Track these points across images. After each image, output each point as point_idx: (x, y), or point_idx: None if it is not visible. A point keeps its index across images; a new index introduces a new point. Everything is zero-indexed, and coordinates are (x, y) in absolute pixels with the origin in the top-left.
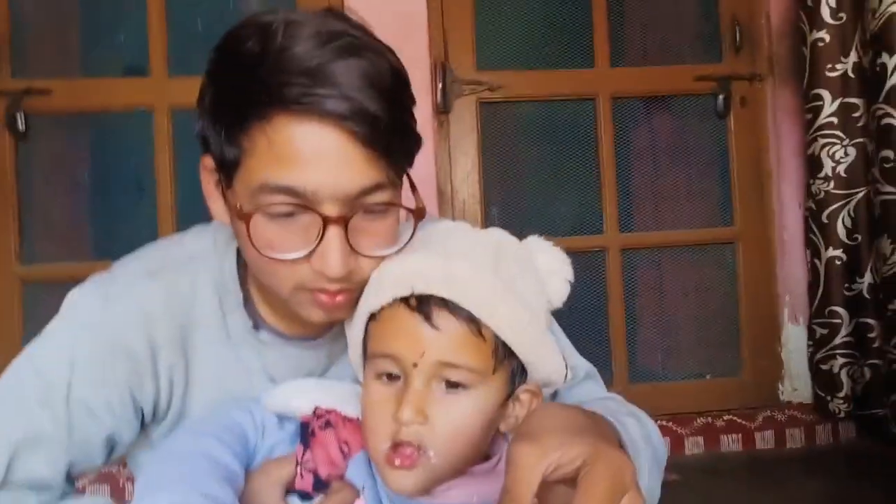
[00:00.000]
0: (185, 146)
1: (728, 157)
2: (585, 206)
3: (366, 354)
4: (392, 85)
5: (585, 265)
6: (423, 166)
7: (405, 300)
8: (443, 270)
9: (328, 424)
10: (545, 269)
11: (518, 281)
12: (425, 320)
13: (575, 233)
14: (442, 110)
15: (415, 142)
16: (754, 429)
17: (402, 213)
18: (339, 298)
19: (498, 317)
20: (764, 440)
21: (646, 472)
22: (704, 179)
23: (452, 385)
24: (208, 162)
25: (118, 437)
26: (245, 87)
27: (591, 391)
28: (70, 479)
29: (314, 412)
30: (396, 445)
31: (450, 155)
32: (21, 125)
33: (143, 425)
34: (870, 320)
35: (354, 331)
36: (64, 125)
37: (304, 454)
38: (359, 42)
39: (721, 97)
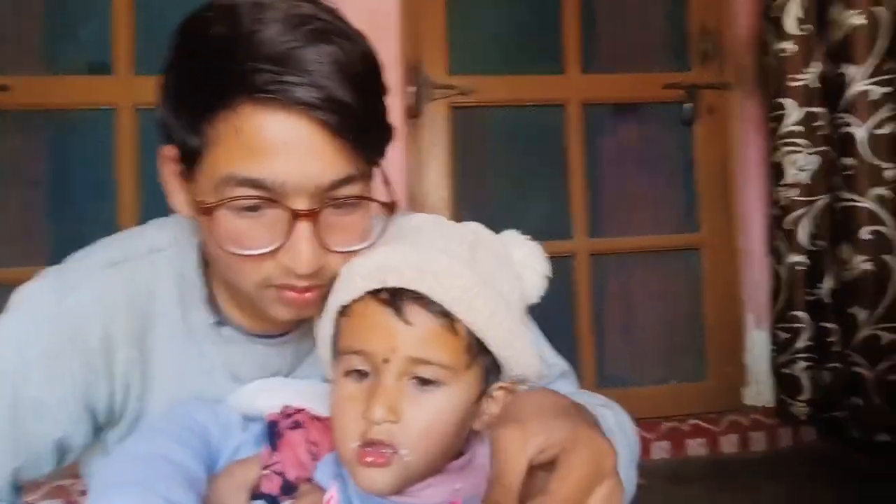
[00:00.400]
0: (150, 147)
1: (694, 164)
2: (554, 212)
3: (335, 351)
4: (364, 72)
5: (554, 270)
6: (393, 170)
7: (376, 294)
8: (416, 263)
9: (297, 425)
10: (521, 263)
11: (495, 275)
12: (397, 315)
13: (544, 238)
14: (413, 114)
15: (387, 132)
16: (719, 433)
17: (374, 206)
18: (308, 295)
19: (473, 311)
20: (729, 444)
21: (623, 462)
22: (671, 186)
23: (425, 382)
24: (169, 151)
25: (69, 442)
26: (211, 73)
27: (564, 390)
28: (16, 487)
29: (282, 411)
30: (367, 444)
31: (421, 159)
32: None
33: (98, 429)
34: (830, 325)
35: (324, 327)
36: (23, 123)
37: (271, 456)
38: (329, 26)
39: (689, 105)
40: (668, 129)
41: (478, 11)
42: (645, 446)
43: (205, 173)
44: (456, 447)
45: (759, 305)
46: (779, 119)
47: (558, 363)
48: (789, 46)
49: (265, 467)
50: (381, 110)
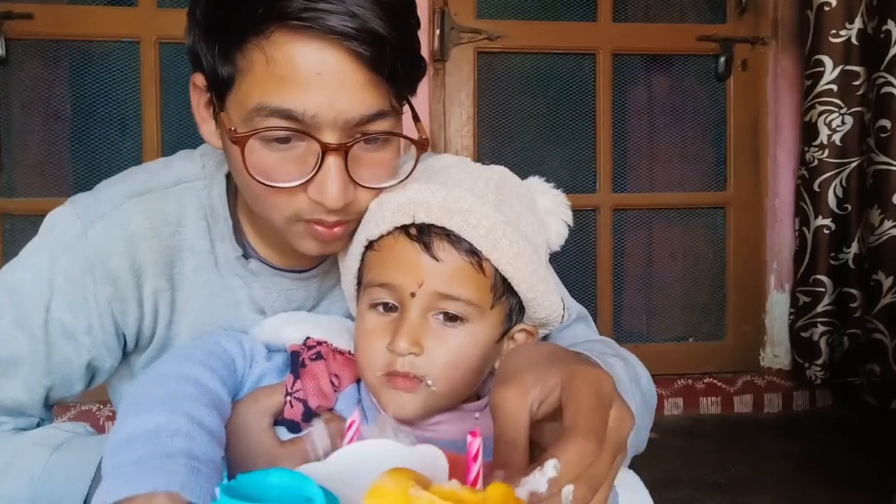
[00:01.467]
0: (173, 81)
1: (725, 120)
2: (579, 165)
3: (360, 284)
4: (400, 5)
5: (576, 223)
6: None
7: (405, 229)
8: (445, 201)
9: (319, 356)
10: (545, 209)
11: (520, 217)
12: (425, 250)
13: (568, 190)
14: (439, 58)
15: (420, 67)
16: (733, 393)
17: (402, 143)
18: (337, 230)
19: (499, 251)
20: (742, 404)
21: (635, 407)
22: (700, 142)
23: (449, 318)
24: (199, 80)
25: (99, 364)
26: None
27: (582, 333)
28: (48, 405)
29: (305, 342)
30: (392, 375)
31: (444, 105)
32: (1, 49)
33: (126, 353)
34: (853, 290)
35: (350, 260)
36: (46, 52)
37: (293, 384)
38: None
39: (722, 59)
40: (699, 82)
41: None
42: (658, 402)
43: (235, 103)
44: (477, 384)
45: (783, 267)
46: (815, 77)
47: (575, 307)
48: (831, 0)
49: (288, 394)
50: (415, 43)
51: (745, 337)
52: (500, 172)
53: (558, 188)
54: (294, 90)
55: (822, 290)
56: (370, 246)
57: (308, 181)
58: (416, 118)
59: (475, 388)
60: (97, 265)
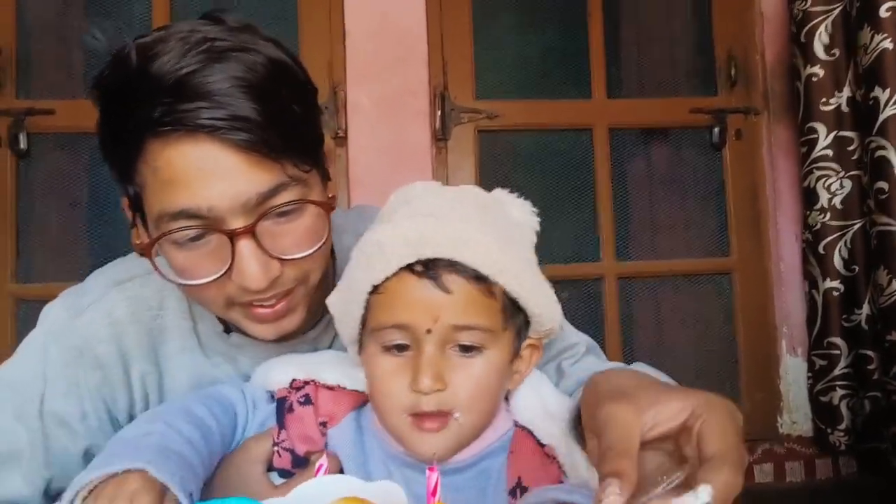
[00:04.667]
0: None
1: (724, 188)
2: (582, 235)
3: (365, 329)
4: (268, 80)
5: (582, 293)
6: None
7: (410, 268)
8: (447, 233)
9: (307, 400)
10: (518, 220)
11: (509, 233)
12: (435, 285)
13: (572, 260)
14: (440, 137)
15: (311, 133)
16: (753, 462)
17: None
18: (280, 307)
19: (505, 272)
20: (763, 473)
21: None
22: (701, 210)
23: (466, 349)
24: (124, 203)
25: (96, 451)
26: (114, 121)
27: (595, 365)
28: (49, 496)
29: (291, 385)
30: (419, 416)
31: (447, 182)
32: (23, 144)
33: None
34: (869, 352)
35: (354, 307)
36: (65, 144)
37: (279, 434)
38: (227, 44)
39: (717, 129)
40: (696, 152)
41: (504, 37)
42: None
43: (148, 216)
44: (497, 409)
45: (794, 331)
46: (809, 143)
47: (584, 339)
48: (818, 71)
49: (275, 444)
50: (294, 113)
51: (760, 404)
52: (473, 192)
53: (563, 258)
54: (183, 190)
55: (838, 352)
56: (374, 290)
57: (227, 270)
58: (325, 177)
59: (495, 415)
60: (85, 352)
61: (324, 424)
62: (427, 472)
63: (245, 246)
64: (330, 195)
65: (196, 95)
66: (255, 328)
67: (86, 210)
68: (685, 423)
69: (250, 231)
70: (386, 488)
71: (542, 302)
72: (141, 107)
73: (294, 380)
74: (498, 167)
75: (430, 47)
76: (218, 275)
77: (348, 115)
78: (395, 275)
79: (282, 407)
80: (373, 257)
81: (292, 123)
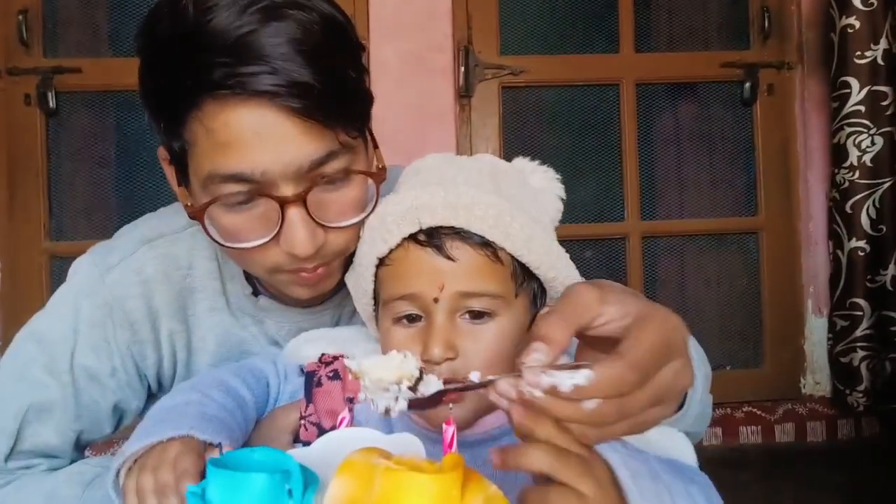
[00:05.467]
0: None
1: (754, 145)
2: (607, 194)
3: (377, 302)
4: (325, 42)
5: (606, 252)
6: (444, 149)
7: (413, 237)
8: (447, 200)
9: (336, 375)
10: (538, 187)
11: (521, 199)
12: (438, 253)
13: (596, 220)
14: (464, 94)
15: (363, 99)
16: (774, 421)
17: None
18: (321, 271)
19: (512, 237)
20: (784, 433)
21: (699, 387)
22: (729, 168)
23: (476, 315)
24: (162, 153)
25: (125, 405)
26: (168, 75)
27: None
28: (79, 447)
29: (320, 359)
30: None
31: (471, 139)
32: (52, 102)
33: (151, 394)
34: (892, 313)
35: (363, 281)
36: (93, 102)
37: (306, 408)
38: (282, 0)
39: (748, 85)
40: (726, 108)
41: None
42: None
43: (193, 173)
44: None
45: (820, 292)
46: (841, 98)
47: None
48: (854, 22)
49: (302, 417)
50: (349, 79)
51: (784, 364)
52: (488, 160)
53: (587, 217)
54: (238, 153)
55: (860, 313)
56: (381, 262)
57: (275, 236)
58: (374, 145)
59: None
60: (115, 310)
61: (351, 400)
62: (444, 425)
63: (295, 213)
64: (380, 165)
65: (256, 58)
66: (296, 290)
67: (114, 168)
68: (626, 326)
69: (302, 199)
70: (405, 440)
71: (557, 266)
72: (198, 64)
73: (324, 354)
74: (522, 125)
75: (455, 2)
76: (266, 239)
77: (372, 72)
78: (399, 246)
79: (310, 381)
80: (376, 230)
81: (347, 90)
